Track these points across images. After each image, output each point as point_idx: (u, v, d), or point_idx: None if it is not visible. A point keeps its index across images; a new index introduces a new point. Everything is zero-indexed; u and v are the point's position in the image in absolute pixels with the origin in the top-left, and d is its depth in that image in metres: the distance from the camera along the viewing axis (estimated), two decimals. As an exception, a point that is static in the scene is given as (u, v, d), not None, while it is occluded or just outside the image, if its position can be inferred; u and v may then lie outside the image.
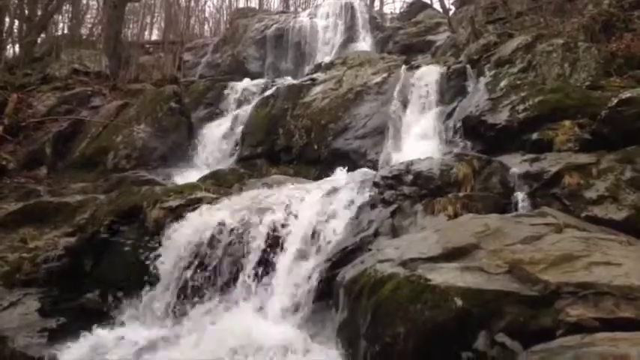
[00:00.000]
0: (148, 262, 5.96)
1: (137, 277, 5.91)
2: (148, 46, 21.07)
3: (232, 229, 5.87)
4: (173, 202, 6.58)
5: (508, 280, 3.46)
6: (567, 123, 6.92)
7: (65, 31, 20.08)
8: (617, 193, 5.41)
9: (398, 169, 6.32)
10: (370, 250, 5.00)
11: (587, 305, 3.09)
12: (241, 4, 27.46)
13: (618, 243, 4.01)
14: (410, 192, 5.92)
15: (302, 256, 5.45)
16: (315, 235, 5.60)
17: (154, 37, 23.96)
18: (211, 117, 12.50)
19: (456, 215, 5.40)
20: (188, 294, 5.62)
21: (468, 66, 10.00)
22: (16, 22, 16.48)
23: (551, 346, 2.89)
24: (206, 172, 9.59)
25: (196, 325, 5.23)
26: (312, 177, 8.64)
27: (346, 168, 7.49)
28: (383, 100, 10.17)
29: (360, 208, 5.83)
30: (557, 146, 6.71)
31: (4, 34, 15.39)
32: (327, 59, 15.15)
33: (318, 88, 11.21)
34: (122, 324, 5.53)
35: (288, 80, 12.77)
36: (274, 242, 5.64)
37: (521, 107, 7.59)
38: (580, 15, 9.78)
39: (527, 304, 3.22)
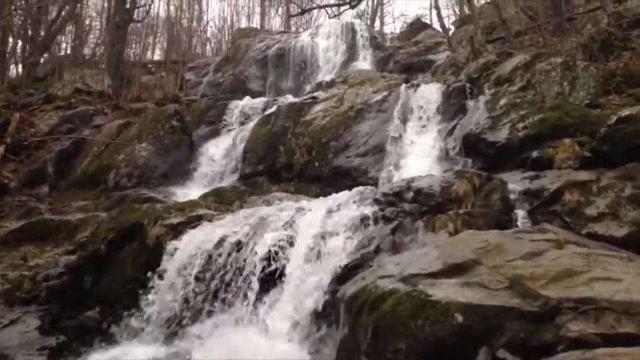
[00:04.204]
0: (148, 280, 5.96)
1: (137, 295, 5.92)
2: (150, 65, 21.21)
3: (233, 246, 5.88)
4: (174, 220, 6.61)
5: (509, 295, 3.45)
6: (567, 141, 6.98)
7: (68, 52, 20.24)
8: (617, 210, 5.43)
9: (399, 186, 6.34)
10: (371, 266, 4.99)
11: (588, 321, 3.08)
12: (243, 24, 27.64)
13: (619, 259, 4.00)
14: (411, 209, 5.93)
15: (303, 273, 5.44)
16: (316, 252, 5.60)
17: (157, 57, 24.15)
18: (213, 135, 12.54)
19: (456, 232, 5.40)
20: (188, 311, 5.62)
21: (468, 84, 10.05)
22: (20, 43, 16.66)
23: (552, 362, 2.88)
24: (207, 189, 9.60)
25: (196, 343, 5.22)
26: (313, 195, 8.64)
27: (347, 187, 7.47)
28: (383, 119, 10.22)
29: (362, 225, 5.83)
30: (557, 164, 6.76)
31: (8, 55, 15.53)
32: (328, 78, 15.22)
33: (319, 107, 11.25)
34: (122, 342, 5.51)
35: (290, 98, 12.82)
36: (276, 259, 5.64)
37: (520, 125, 7.65)
38: (579, 34, 9.88)
39: (528, 319, 3.21)
